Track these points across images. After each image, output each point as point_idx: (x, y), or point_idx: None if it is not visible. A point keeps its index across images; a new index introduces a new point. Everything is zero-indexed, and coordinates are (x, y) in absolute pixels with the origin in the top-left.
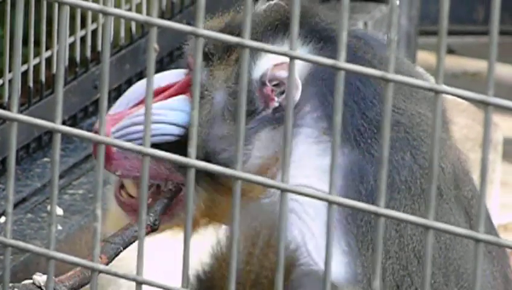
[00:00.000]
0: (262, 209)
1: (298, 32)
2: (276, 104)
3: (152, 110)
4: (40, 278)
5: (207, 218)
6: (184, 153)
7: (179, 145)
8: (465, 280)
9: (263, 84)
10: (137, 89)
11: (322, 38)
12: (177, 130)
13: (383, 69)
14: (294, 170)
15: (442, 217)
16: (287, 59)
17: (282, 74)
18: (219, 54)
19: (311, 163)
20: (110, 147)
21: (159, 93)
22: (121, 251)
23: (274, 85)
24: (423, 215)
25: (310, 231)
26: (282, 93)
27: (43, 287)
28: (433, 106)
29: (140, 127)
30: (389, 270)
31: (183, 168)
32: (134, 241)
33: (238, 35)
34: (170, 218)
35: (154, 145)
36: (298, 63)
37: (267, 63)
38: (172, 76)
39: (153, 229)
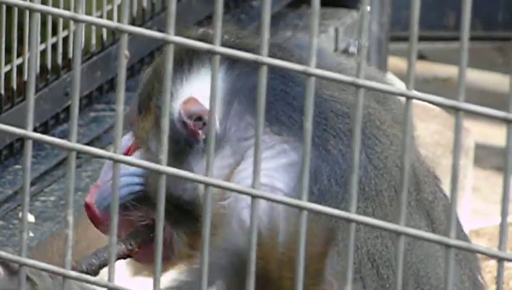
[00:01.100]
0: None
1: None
2: (203, 136)
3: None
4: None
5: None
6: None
7: (145, 199)
8: (425, 283)
9: (184, 123)
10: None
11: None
12: (137, 179)
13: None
14: (249, 173)
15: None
16: (191, 94)
17: (194, 108)
18: (142, 107)
19: (265, 165)
20: (93, 211)
21: None
22: (98, 273)
23: (195, 120)
24: (379, 217)
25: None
26: (204, 124)
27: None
28: (404, 112)
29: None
30: None
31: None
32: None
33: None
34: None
35: (125, 207)
36: (205, 90)
37: (177, 105)
38: (125, 142)
39: (129, 256)
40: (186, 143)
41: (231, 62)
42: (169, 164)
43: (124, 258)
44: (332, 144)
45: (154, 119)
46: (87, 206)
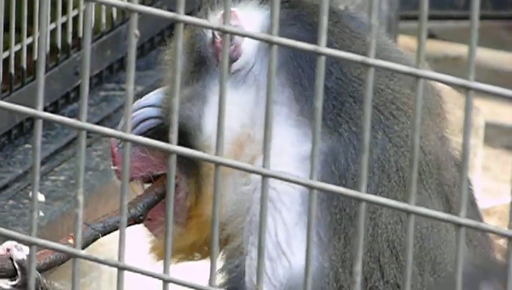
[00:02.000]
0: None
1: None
2: None
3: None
4: (17, 253)
5: (198, 207)
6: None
7: (163, 135)
8: (442, 269)
9: (213, 38)
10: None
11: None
12: (155, 111)
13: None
14: (274, 157)
15: (419, 204)
16: (234, 8)
17: (233, 22)
18: None
19: (290, 150)
20: (113, 148)
21: None
22: (98, 237)
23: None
24: (400, 193)
25: (283, 220)
26: (232, 44)
27: (16, 263)
28: (414, 90)
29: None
30: None
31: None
32: (114, 230)
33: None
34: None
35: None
36: (250, 12)
37: (216, 19)
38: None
39: (136, 222)
40: (206, 63)
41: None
42: (187, 79)
43: (130, 225)
44: (345, 128)
45: (187, 41)
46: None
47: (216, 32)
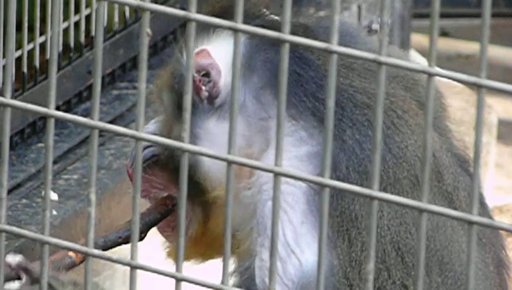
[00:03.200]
0: None
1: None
2: (206, 94)
3: None
4: (11, 259)
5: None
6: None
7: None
8: (450, 269)
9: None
10: None
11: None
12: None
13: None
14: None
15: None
16: (206, 46)
17: (203, 62)
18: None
19: (288, 153)
20: (129, 172)
21: None
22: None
23: (203, 75)
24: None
25: (289, 219)
26: (210, 81)
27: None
28: (426, 88)
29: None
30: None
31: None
32: (115, 246)
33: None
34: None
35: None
36: (220, 48)
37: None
38: None
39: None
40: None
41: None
42: (174, 123)
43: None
44: (349, 135)
45: (169, 78)
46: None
47: (194, 72)
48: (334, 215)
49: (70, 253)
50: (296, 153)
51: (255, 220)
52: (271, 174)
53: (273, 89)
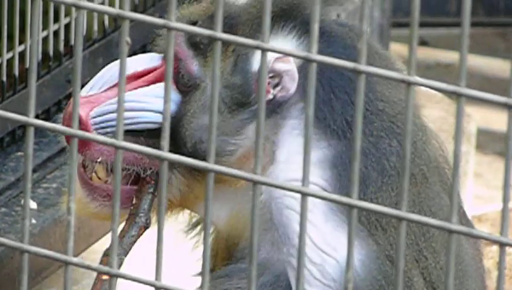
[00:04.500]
0: None
1: (290, 24)
2: (271, 96)
3: (136, 96)
4: None
5: (182, 204)
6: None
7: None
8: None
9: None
10: (111, 70)
11: (300, 27)
12: (161, 118)
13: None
14: (282, 165)
15: (434, 198)
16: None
17: (281, 66)
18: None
19: (298, 158)
20: (90, 131)
21: (137, 77)
22: (123, 260)
23: (271, 77)
24: (413, 196)
25: (311, 222)
26: (278, 85)
27: None
28: (405, 97)
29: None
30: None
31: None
32: (133, 246)
33: (231, 27)
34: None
35: (136, 131)
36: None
37: (268, 55)
38: (148, 60)
39: (146, 228)
40: (248, 99)
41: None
42: (221, 110)
43: (142, 234)
44: (364, 140)
45: (227, 64)
46: (81, 121)
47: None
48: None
49: (104, 277)
50: None
51: (270, 229)
52: None
53: (302, 92)
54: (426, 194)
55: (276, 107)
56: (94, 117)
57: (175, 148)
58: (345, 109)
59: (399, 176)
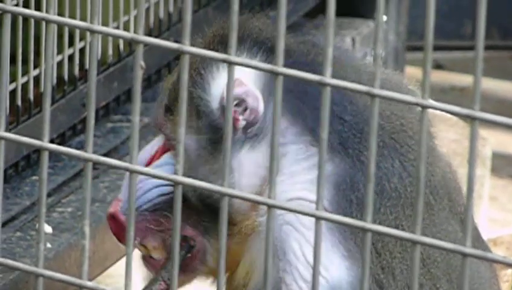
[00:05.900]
0: None
1: (255, 46)
2: (243, 123)
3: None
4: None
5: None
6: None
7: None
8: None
9: (223, 108)
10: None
11: (265, 50)
12: (164, 189)
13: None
14: (285, 186)
15: (440, 224)
16: (237, 75)
17: (238, 90)
18: (171, 107)
19: (301, 178)
20: (120, 220)
21: (148, 164)
22: None
23: (235, 105)
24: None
25: (308, 241)
26: (246, 109)
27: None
28: (419, 121)
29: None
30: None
31: (191, 220)
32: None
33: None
34: (190, 274)
35: (159, 208)
36: (251, 75)
37: (220, 87)
38: (153, 147)
39: (168, 285)
40: (221, 133)
41: (272, 53)
42: (206, 156)
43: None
44: (366, 155)
45: (192, 113)
46: (112, 217)
47: (224, 101)
48: (357, 231)
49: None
50: (310, 176)
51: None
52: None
53: (289, 113)
54: (431, 220)
55: (259, 131)
56: (121, 207)
57: (210, 219)
58: (340, 125)
59: (400, 199)
